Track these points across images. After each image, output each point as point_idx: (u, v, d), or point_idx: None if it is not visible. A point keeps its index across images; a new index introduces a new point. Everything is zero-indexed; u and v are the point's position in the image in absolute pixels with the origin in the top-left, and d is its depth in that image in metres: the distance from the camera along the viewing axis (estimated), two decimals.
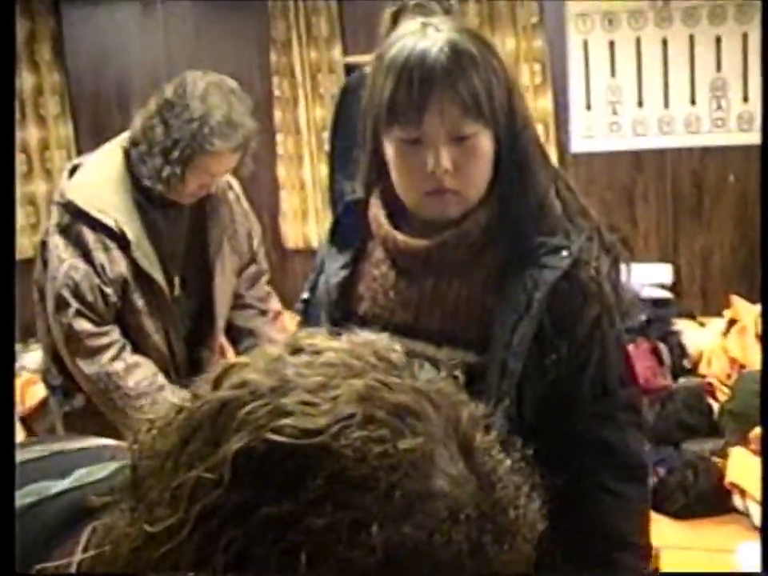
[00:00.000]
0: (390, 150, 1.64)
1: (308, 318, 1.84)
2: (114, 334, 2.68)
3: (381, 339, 0.86)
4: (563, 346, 1.58)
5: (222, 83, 2.68)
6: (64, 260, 2.63)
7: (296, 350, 0.82)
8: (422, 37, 1.62)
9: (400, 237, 1.68)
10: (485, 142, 1.61)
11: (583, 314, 1.58)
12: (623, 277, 1.68)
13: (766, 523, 2.08)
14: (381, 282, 1.71)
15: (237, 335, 2.98)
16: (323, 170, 6.60)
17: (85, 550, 0.89)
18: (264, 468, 0.74)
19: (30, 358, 5.49)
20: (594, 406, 1.60)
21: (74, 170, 2.77)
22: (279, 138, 6.87)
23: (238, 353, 2.91)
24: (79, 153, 6.93)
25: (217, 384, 0.81)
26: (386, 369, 0.82)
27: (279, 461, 0.74)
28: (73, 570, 0.88)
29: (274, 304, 3.04)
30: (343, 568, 0.73)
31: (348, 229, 1.78)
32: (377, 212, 1.73)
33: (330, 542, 0.72)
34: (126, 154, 2.70)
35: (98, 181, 2.70)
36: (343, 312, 1.72)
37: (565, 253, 1.59)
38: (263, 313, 2.99)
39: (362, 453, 0.74)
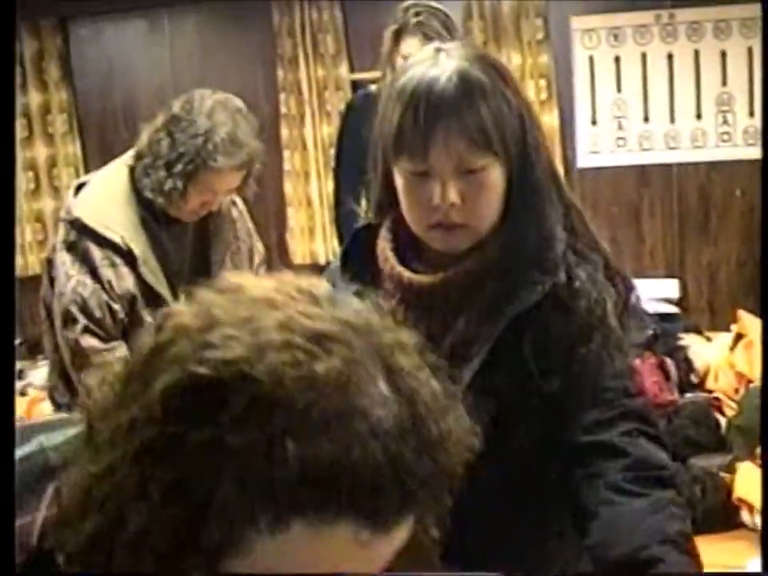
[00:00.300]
0: (398, 180, 1.61)
1: None
2: (122, 350, 2.68)
3: (307, 277, 0.91)
4: (552, 374, 1.55)
5: (228, 102, 2.69)
6: (71, 276, 2.64)
7: (224, 291, 0.88)
8: (433, 65, 1.56)
9: (405, 273, 1.65)
10: (494, 175, 1.57)
11: (577, 344, 1.55)
12: (633, 305, 1.66)
13: (765, 523, 2.08)
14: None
15: None
16: (330, 186, 6.61)
17: (50, 507, 0.95)
18: (190, 400, 0.79)
19: (37, 375, 5.50)
20: (594, 415, 1.57)
21: (79, 188, 2.78)
22: (286, 154, 6.88)
23: None
24: (87, 170, 6.96)
25: (157, 332, 0.87)
26: (308, 301, 0.87)
27: (203, 391, 0.79)
28: (37, 525, 0.94)
29: None
30: (264, 485, 0.78)
31: (359, 257, 1.74)
32: (384, 245, 1.70)
33: (249, 461, 0.78)
34: (132, 171, 2.72)
35: (104, 198, 2.71)
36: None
37: (539, 288, 1.56)
38: None
39: (278, 376, 0.79)
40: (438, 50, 1.60)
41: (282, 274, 0.92)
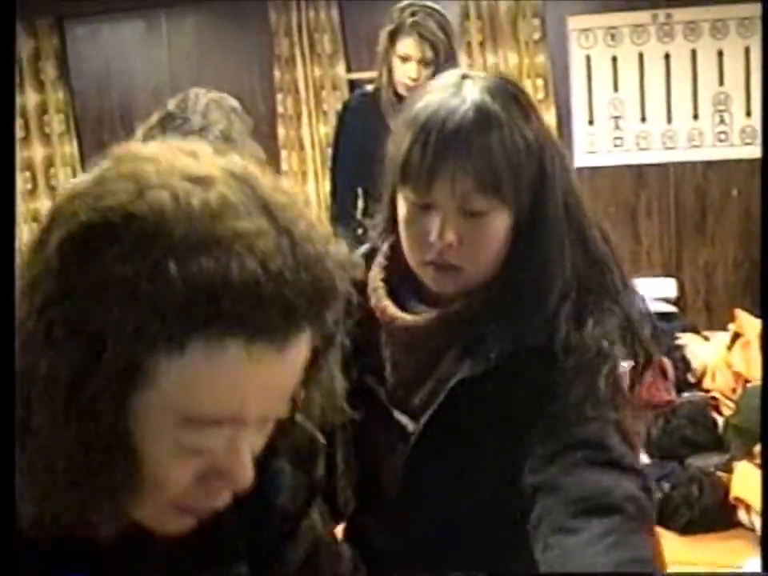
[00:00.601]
0: (400, 208, 1.53)
1: None
2: None
3: (195, 143, 1.00)
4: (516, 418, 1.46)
5: (223, 100, 2.69)
6: None
7: (114, 156, 0.98)
8: (453, 94, 1.45)
9: (390, 310, 1.57)
10: (499, 220, 1.47)
11: (551, 398, 1.44)
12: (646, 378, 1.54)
13: (765, 524, 2.07)
14: (383, 349, 1.62)
15: None
16: (327, 186, 6.60)
17: None
18: (82, 246, 0.88)
19: None
20: (539, 452, 1.45)
21: None
22: (283, 154, 6.88)
23: None
24: (84, 170, 6.91)
25: (55, 199, 0.96)
26: (189, 154, 0.95)
27: (93, 236, 0.88)
28: None
29: None
30: (154, 308, 0.85)
31: (360, 284, 1.59)
32: (375, 273, 1.62)
33: (139, 287, 0.85)
34: None
35: None
36: (360, 365, 1.59)
37: (504, 349, 1.46)
38: None
39: (159, 211, 0.87)
40: (464, 77, 1.50)
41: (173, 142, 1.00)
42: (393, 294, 1.59)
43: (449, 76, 1.53)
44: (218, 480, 0.94)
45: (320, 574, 1.25)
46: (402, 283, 1.59)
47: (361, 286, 1.59)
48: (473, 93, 1.46)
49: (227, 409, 0.90)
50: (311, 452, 1.23)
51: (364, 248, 1.68)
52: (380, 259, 1.63)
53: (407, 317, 1.55)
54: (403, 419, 1.55)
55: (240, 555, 1.13)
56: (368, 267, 1.63)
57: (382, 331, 1.60)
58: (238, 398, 0.90)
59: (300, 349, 0.93)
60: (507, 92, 1.49)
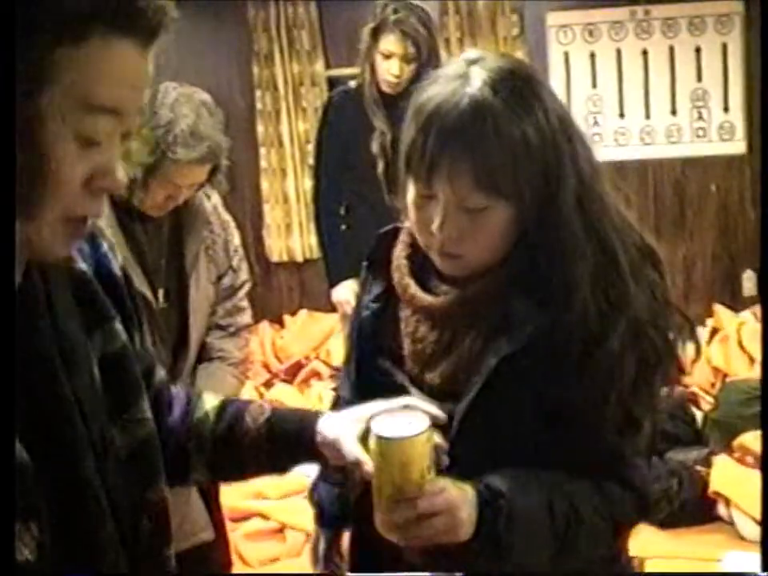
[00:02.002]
0: (409, 193, 1.54)
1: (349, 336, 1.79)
2: None
3: None
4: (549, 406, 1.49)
5: (194, 95, 2.67)
6: None
7: None
8: (455, 88, 1.45)
9: (411, 288, 1.59)
10: (499, 216, 1.47)
11: (581, 390, 1.48)
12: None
13: (765, 524, 2.08)
14: (405, 324, 1.63)
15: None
16: (307, 183, 6.61)
17: None
18: None
19: None
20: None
21: None
22: (262, 151, 6.87)
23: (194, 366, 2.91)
24: None
25: None
26: None
27: None
28: None
29: (241, 319, 3.00)
30: (60, 6, 1.00)
31: (381, 260, 1.68)
32: (399, 252, 1.65)
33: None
34: None
35: None
36: (373, 345, 1.65)
37: (534, 325, 1.48)
38: (222, 327, 2.96)
39: None
40: (473, 63, 1.49)
41: None
42: (416, 273, 1.61)
43: (458, 63, 1.51)
44: (102, 180, 1.08)
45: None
46: (424, 262, 1.60)
47: (385, 262, 1.65)
48: (474, 86, 1.44)
49: (118, 97, 1.07)
50: None
51: (389, 227, 1.71)
52: (403, 237, 1.65)
53: (427, 297, 1.58)
54: (419, 396, 1.55)
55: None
56: (393, 244, 1.66)
57: (403, 307, 1.63)
58: (126, 88, 1.09)
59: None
60: (511, 83, 1.46)
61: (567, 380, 1.46)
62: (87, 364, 1.22)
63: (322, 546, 1.88)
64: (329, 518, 1.87)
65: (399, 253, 1.64)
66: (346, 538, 1.87)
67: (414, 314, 1.61)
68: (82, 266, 1.28)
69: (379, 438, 1.37)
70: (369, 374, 1.64)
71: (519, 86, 1.47)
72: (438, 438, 1.43)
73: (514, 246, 1.52)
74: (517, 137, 1.43)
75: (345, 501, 1.81)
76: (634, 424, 1.52)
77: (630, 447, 1.54)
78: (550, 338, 1.46)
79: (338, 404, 1.81)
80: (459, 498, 1.40)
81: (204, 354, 2.93)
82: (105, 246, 1.37)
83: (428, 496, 1.37)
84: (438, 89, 1.47)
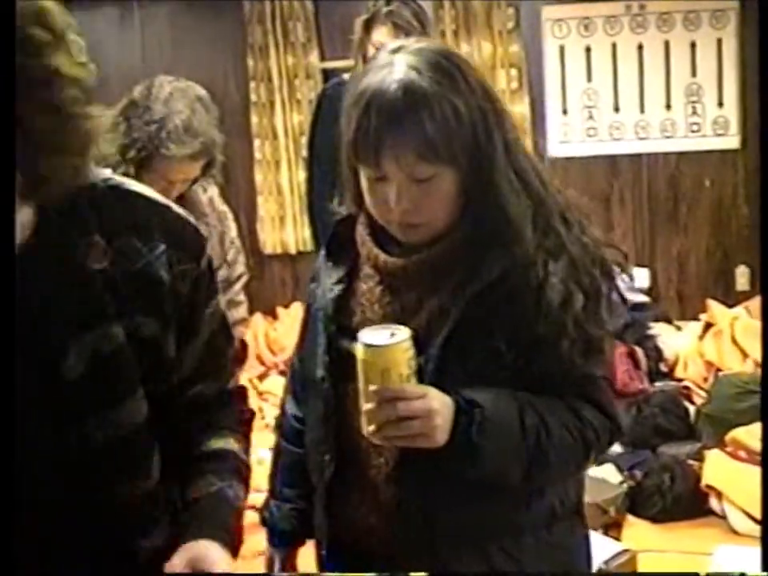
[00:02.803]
0: (362, 181, 1.68)
1: (309, 326, 1.88)
2: None
3: None
4: (516, 351, 1.64)
5: (188, 89, 2.66)
6: None
7: None
8: (387, 73, 1.59)
9: (381, 256, 1.72)
10: (446, 181, 1.62)
11: (542, 333, 1.62)
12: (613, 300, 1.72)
13: (766, 523, 2.08)
14: (369, 296, 1.75)
15: None
16: (301, 175, 6.61)
17: None
18: None
19: None
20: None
21: None
22: (256, 143, 6.87)
23: None
24: None
25: None
26: None
27: None
28: None
29: (236, 313, 2.99)
30: None
31: (341, 244, 1.82)
32: (361, 230, 1.77)
33: None
34: None
35: None
36: (338, 325, 1.75)
37: (497, 265, 1.63)
38: None
39: None
40: (396, 52, 1.63)
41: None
42: (381, 247, 1.75)
43: (382, 54, 1.66)
44: None
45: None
46: (384, 238, 1.74)
47: (346, 247, 1.81)
48: (399, 71, 1.59)
49: None
50: (192, 240, 1.45)
51: (342, 215, 1.85)
52: (361, 219, 1.78)
53: (397, 260, 1.71)
54: None
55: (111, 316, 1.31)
56: (351, 229, 1.80)
57: (366, 281, 1.77)
58: None
59: None
60: (436, 64, 1.60)
61: (528, 314, 1.61)
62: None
63: (276, 566, 1.94)
64: (281, 537, 1.94)
65: (362, 231, 1.77)
66: (299, 554, 1.95)
67: (379, 284, 1.74)
68: (98, 265, 1.31)
69: (364, 345, 1.54)
70: (336, 352, 1.74)
71: (440, 64, 1.61)
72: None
73: (464, 207, 1.67)
74: (446, 108, 1.57)
75: (297, 516, 1.90)
76: (594, 347, 1.66)
77: (596, 368, 1.70)
78: (509, 278, 1.62)
79: (282, 424, 2.00)
80: (437, 404, 1.53)
81: None
82: (162, 248, 1.38)
83: (408, 399, 1.51)
84: (369, 80, 1.61)
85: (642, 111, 6.33)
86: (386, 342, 1.53)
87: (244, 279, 3.05)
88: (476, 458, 1.57)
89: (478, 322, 1.62)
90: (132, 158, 2.56)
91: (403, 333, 1.55)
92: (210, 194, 2.93)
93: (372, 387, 1.52)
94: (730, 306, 5.84)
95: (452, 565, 1.65)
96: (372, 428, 1.53)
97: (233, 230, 3.02)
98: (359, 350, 1.55)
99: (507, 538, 1.70)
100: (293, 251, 6.92)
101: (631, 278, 1.87)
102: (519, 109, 6.41)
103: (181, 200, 2.75)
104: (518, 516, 1.71)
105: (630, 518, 3.93)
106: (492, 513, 1.67)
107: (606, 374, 1.74)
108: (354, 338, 1.58)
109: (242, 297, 3.02)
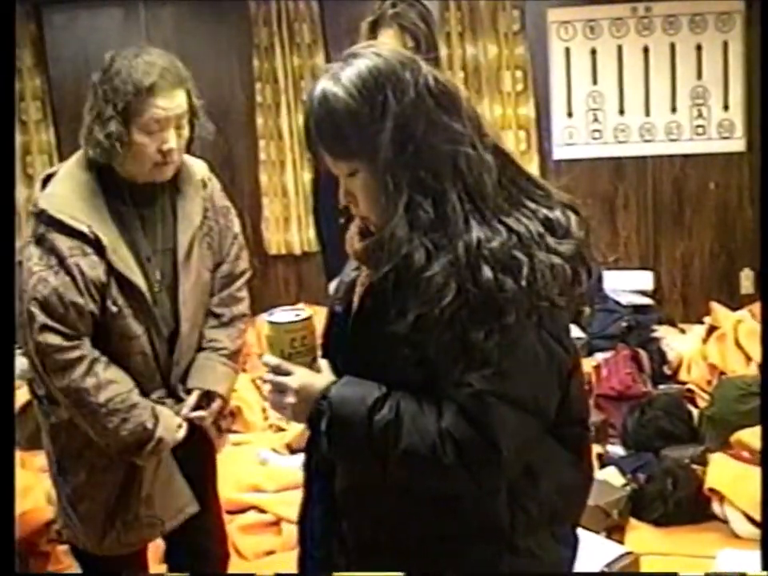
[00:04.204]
0: None
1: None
2: (85, 347, 2.64)
3: None
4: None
5: (151, 50, 2.77)
6: (34, 273, 2.60)
7: None
8: (325, 78, 1.80)
9: (351, 242, 1.90)
10: (367, 175, 1.74)
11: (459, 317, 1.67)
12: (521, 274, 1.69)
13: (766, 523, 2.09)
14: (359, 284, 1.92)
15: None
16: (306, 176, 6.61)
17: None
18: None
19: (16, 363, 5.46)
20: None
21: (47, 179, 2.75)
22: (262, 144, 6.87)
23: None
24: (61, 158, 6.91)
25: None
26: None
27: None
28: None
29: (237, 308, 2.99)
30: None
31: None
32: (352, 226, 1.92)
33: None
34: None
35: (71, 187, 2.67)
36: (345, 305, 1.95)
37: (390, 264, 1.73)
38: (216, 316, 2.95)
39: None
40: (339, 60, 1.86)
41: None
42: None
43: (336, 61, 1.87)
44: None
45: None
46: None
47: None
48: (324, 79, 1.80)
49: None
50: None
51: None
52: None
53: (354, 245, 1.90)
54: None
55: None
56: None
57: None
58: None
59: None
60: (354, 73, 1.78)
61: (407, 306, 1.70)
62: None
63: None
64: None
65: (353, 226, 1.92)
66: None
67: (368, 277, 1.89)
68: None
69: (266, 321, 1.84)
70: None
71: (362, 75, 1.77)
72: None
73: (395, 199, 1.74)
74: (345, 116, 1.72)
75: None
76: (476, 356, 1.65)
77: (481, 382, 1.66)
78: (396, 271, 1.73)
79: None
80: (296, 385, 1.79)
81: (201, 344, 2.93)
82: None
83: (278, 374, 1.80)
84: (314, 83, 1.82)
85: (648, 114, 6.33)
86: (275, 320, 1.82)
87: (247, 275, 3.05)
88: (329, 445, 1.76)
89: (373, 311, 1.80)
90: (116, 113, 2.60)
91: (298, 315, 1.84)
92: (210, 189, 2.93)
93: (263, 358, 1.84)
94: (734, 309, 5.83)
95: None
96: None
97: (236, 226, 3.02)
98: (264, 325, 1.84)
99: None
100: (297, 252, 6.93)
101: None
102: (524, 111, 6.42)
103: (179, 193, 2.77)
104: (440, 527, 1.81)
105: (633, 521, 3.93)
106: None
107: (506, 392, 1.67)
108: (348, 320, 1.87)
109: (244, 293, 3.03)
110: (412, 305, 1.68)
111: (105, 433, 2.67)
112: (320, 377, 1.82)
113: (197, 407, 2.84)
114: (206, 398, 2.87)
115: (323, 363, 1.89)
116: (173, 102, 2.66)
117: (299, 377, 1.79)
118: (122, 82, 2.62)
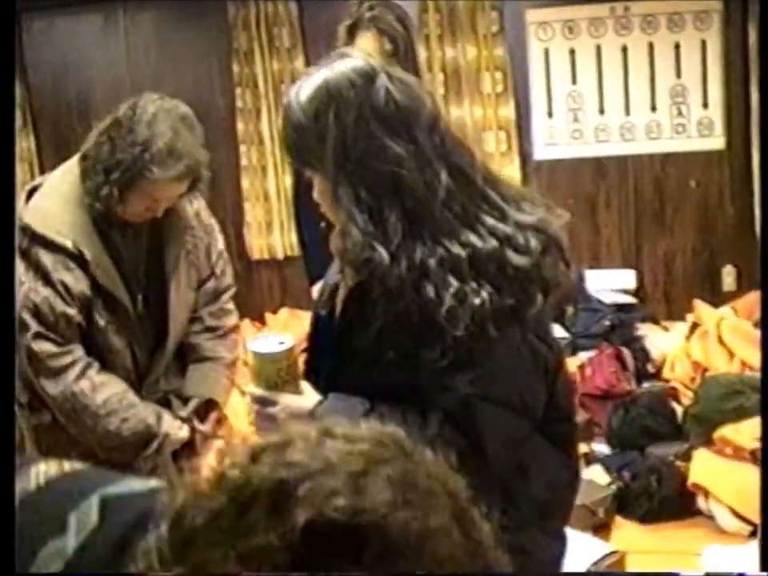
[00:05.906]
0: None
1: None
2: (78, 352, 2.65)
3: (396, 431, 1.01)
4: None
5: (174, 109, 2.64)
6: (24, 282, 2.61)
7: (331, 435, 0.97)
8: (297, 86, 1.91)
9: (338, 244, 1.90)
10: (322, 181, 1.84)
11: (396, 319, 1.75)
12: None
13: (765, 523, 2.10)
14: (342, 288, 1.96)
15: (184, 350, 2.97)
16: (287, 180, 6.60)
17: None
18: (322, 539, 0.88)
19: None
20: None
21: (32, 192, 2.74)
22: (243, 149, 6.87)
23: (183, 367, 2.91)
24: (41, 166, 6.90)
25: (255, 459, 0.94)
26: (405, 456, 0.97)
27: (336, 533, 0.88)
28: None
29: (229, 321, 3.01)
30: None
31: None
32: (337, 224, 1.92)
33: None
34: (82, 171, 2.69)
35: (55, 201, 2.67)
36: (328, 309, 1.99)
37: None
38: (211, 329, 2.97)
39: (404, 529, 0.89)
40: (323, 63, 1.95)
41: (371, 425, 1.01)
42: None
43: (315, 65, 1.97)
44: None
45: None
46: None
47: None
48: (293, 89, 1.90)
49: None
50: None
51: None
52: None
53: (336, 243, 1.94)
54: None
55: None
56: None
57: None
58: None
59: None
60: (312, 87, 1.86)
61: (377, 311, 1.76)
62: None
63: None
64: None
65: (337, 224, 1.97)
66: None
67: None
68: None
69: (250, 350, 1.85)
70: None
71: (326, 86, 1.85)
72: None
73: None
74: (305, 126, 1.81)
75: None
76: (459, 356, 1.69)
77: (466, 386, 1.70)
78: (375, 279, 1.78)
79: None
80: (287, 415, 1.80)
81: (194, 355, 2.94)
82: None
83: (264, 405, 1.83)
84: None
85: (627, 113, 6.35)
86: (261, 351, 1.83)
87: (232, 290, 3.07)
88: None
89: (356, 315, 1.83)
90: (116, 179, 2.55)
91: (282, 344, 1.83)
92: (196, 206, 2.92)
93: (247, 388, 1.87)
94: (717, 306, 5.86)
95: None
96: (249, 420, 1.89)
97: (220, 242, 3.03)
98: (248, 354, 1.84)
99: None
100: (280, 256, 6.92)
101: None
102: (504, 112, 6.43)
103: (166, 213, 2.75)
104: None
105: (619, 518, 3.95)
106: None
107: (492, 394, 1.71)
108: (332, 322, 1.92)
109: (231, 306, 3.05)
110: (378, 313, 1.75)
111: (107, 436, 2.67)
112: (305, 398, 1.84)
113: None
114: (204, 406, 2.89)
115: (305, 385, 1.90)
116: (176, 190, 2.66)
117: (286, 405, 1.82)
118: (136, 159, 2.55)
